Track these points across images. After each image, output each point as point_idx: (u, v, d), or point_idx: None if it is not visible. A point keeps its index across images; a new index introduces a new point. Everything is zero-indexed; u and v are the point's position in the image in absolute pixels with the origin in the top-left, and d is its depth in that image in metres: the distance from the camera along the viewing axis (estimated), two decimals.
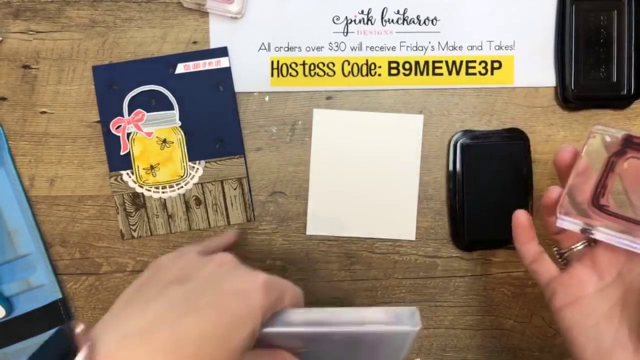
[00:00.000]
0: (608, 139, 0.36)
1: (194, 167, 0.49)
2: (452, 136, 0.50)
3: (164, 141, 0.49)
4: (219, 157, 0.49)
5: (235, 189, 0.50)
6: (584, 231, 0.36)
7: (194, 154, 0.49)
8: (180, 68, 0.49)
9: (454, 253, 0.51)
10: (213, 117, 0.49)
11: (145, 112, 0.49)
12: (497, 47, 0.50)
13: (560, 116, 0.50)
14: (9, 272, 0.49)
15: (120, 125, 0.49)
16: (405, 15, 0.49)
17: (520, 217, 0.40)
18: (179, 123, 0.49)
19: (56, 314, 0.50)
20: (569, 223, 0.36)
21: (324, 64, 0.50)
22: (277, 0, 0.49)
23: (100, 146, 0.50)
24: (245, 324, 0.30)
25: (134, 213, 0.50)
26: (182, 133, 0.49)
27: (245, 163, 0.50)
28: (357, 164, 0.50)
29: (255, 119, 0.50)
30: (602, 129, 0.37)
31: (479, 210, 0.49)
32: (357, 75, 0.50)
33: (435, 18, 0.49)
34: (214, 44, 0.49)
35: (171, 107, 0.49)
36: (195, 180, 0.50)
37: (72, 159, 0.50)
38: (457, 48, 0.50)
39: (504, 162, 0.49)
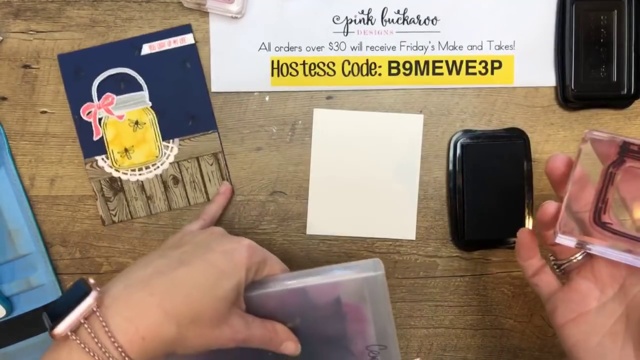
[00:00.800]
0: (603, 146, 0.34)
1: (168, 146, 0.49)
2: (452, 136, 0.50)
3: (136, 123, 0.49)
4: (193, 134, 0.49)
5: (211, 165, 0.50)
6: (582, 246, 0.34)
7: (167, 133, 0.49)
8: (146, 49, 0.49)
9: (454, 253, 0.51)
10: (182, 94, 0.49)
11: (114, 96, 0.49)
12: (497, 47, 0.50)
13: (560, 116, 0.50)
14: (9, 271, 0.49)
15: (90, 111, 0.49)
16: (406, 15, 0.49)
17: (524, 236, 0.39)
18: (150, 103, 0.49)
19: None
20: (569, 241, 0.34)
21: (324, 64, 0.50)
22: (277, 0, 0.49)
23: None
24: (230, 276, 0.36)
25: (112, 198, 0.50)
26: (154, 113, 0.49)
27: (219, 137, 0.50)
28: (357, 163, 0.50)
29: (255, 118, 0.50)
30: (595, 134, 0.34)
31: (479, 210, 0.49)
32: (357, 75, 0.50)
33: (435, 18, 0.49)
34: (214, 44, 0.49)
35: (140, 89, 0.49)
36: (171, 159, 0.50)
37: (72, 159, 0.50)
38: (457, 48, 0.50)
39: (504, 162, 0.49)
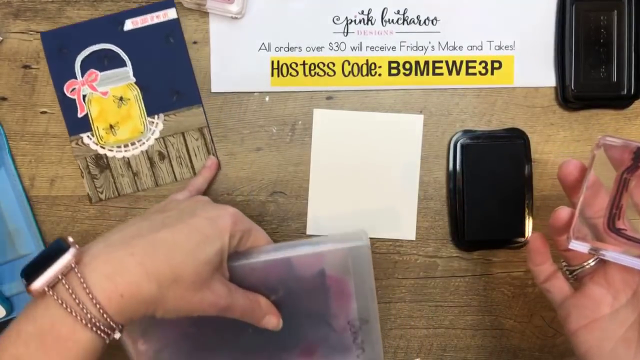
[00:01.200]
0: (616, 152, 0.33)
1: (153, 122, 0.49)
2: (452, 136, 0.50)
3: (121, 99, 0.49)
4: (177, 109, 0.49)
5: (197, 140, 0.50)
6: (595, 252, 0.34)
7: (151, 109, 0.49)
8: (129, 24, 0.49)
9: (454, 253, 0.51)
10: (166, 69, 0.49)
11: (98, 72, 0.49)
12: (497, 47, 0.50)
13: (560, 116, 0.50)
14: (9, 272, 0.49)
15: (74, 88, 0.49)
16: (405, 15, 0.49)
17: (536, 241, 0.38)
18: (134, 79, 0.49)
19: None
20: (583, 247, 0.34)
21: (324, 64, 0.50)
22: (277, 0, 0.49)
23: None
24: (213, 241, 0.36)
25: (98, 175, 0.50)
26: (138, 89, 0.49)
27: (204, 112, 0.50)
28: (357, 163, 0.50)
29: (255, 119, 0.50)
30: (609, 140, 0.34)
31: (479, 211, 0.49)
32: (357, 75, 0.50)
33: (435, 18, 0.49)
34: (214, 44, 0.49)
35: (124, 64, 0.49)
36: (157, 135, 0.50)
37: (72, 159, 0.50)
38: (457, 48, 0.50)
39: (504, 162, 0.49)
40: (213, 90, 0.49)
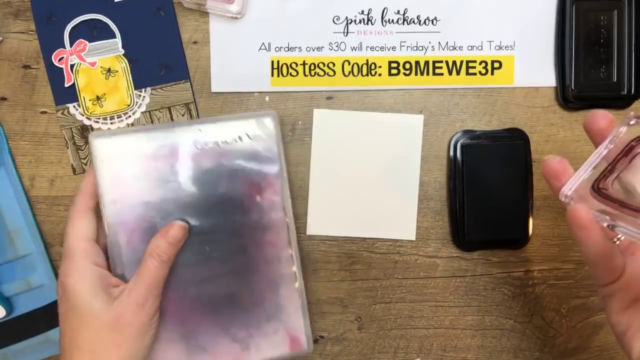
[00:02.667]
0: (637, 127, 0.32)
1: (140, 95, 0.49)
2: (452, 136, 0.50)
3: (109, 70, 0.49)
4: (165, 83, 0.49)
5: (183, 115, 0.50)
6: (608, 223, 0.32)
7: (139, 82, 0.49)
8: None
9: (454, 253, 0.51)
10: (156, 43, 0.49)
11: (87, 42, 0.49)
12: (497, 47, 0.50)
13: (560, 116, 0.50)
14: (9, 272, 0.49)
15: (62, 57, 0.48)
16: (406, 15, 0.49)
17: (579, 212, 0.33)
18: (122, 51, 0.49)
19: (56, 314, 0.49)
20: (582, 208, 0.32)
21: (324, 64, 0.50)
22: (277, 0, 0.49)
23: None
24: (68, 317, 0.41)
25: (83, 146, 0.50)
26: (126, 61, 0.49)
27: (192, 87, 0.49)
28: (357, 163, 0.50)
29: None
30: (636, 118, 0.32)
31: (479, 211, 0.49)
32: (357, 75, 0.50)
33: (435, 18, 0.49)
34: (214, 44, 0.49)
35: (113, 36, 0.49)
36: (143, 108, 0.49)
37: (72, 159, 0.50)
38: (457, 48, 0.50)
39: (504, 162, 0.49)
40: (213, 90, 0.49)
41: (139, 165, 0.43)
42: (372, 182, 0.50)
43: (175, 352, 0.44)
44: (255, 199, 0.45)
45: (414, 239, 0.51)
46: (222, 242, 0.45)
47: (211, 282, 0.44)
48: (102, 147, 0.43)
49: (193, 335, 0.45)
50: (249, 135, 0.45)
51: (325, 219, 0.50)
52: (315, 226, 0.50)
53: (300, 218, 0.50)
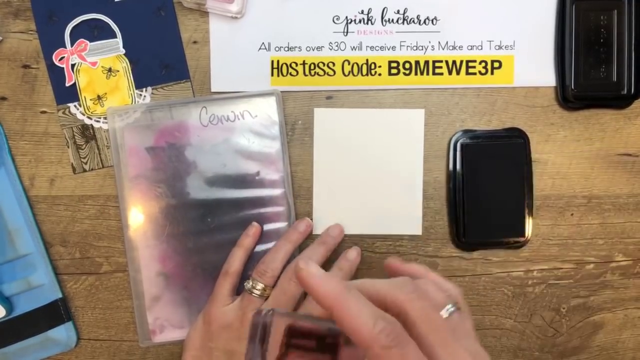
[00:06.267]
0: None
1: (141, 94, 0.49)
2: (452, 136, 0.50)
3: (109, 70, 0.49)
4: (166, 83, 0.49)
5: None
6: None
7: (140, 82, 0.49)
8: None
9: (454, 253, 0.51)
10: (156, 43, 0.49)
11: (88, 42, 0.49)
12: (497, 47, 0.50)
13: (560, 116, 0.50)
14: (9, 272, 0.49)
15: (63, 57, 0.49)
16: (405, 15, 0.49)
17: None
18: (123, 51, 0.49)
19: (56, 314, 0.50)
20: None
21: (324, 64, 0.50)
22: (277, 0, 0.49)
23: None
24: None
25: (84, 146, 0.50)
26: (127, 61, 0.49)
27: (192, 87, 0.49)
28: (360, 161, 0.50)
29: None
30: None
31: (479, 210, 0.49)
32: (357, 75, 0.50)
33: (435, 18, 0.49)
34: (214, 44, 0.49)
35: (114, 36, 0.49)
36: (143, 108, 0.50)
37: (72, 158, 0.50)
38: (457, 48, 0.50)
39: (504, 162, 0.49)
40: (213, 89, 0.49)
41: (148, 141, 0.48)
42: (376, 178, 0.50)
43: (178, 314, 0.49)
44: (256, 175, 0.48)
45: (420, 233, 0.51)
46: (224, 214, 0.48)
47: (213, 252, 0.48)
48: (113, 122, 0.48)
49: (195, 300, 0.49)
50: (251, 113, 0.47)
51: (330, 218, 0.50)
52: (322, 225, 0.50)
53: (301, 217, 0.50)
